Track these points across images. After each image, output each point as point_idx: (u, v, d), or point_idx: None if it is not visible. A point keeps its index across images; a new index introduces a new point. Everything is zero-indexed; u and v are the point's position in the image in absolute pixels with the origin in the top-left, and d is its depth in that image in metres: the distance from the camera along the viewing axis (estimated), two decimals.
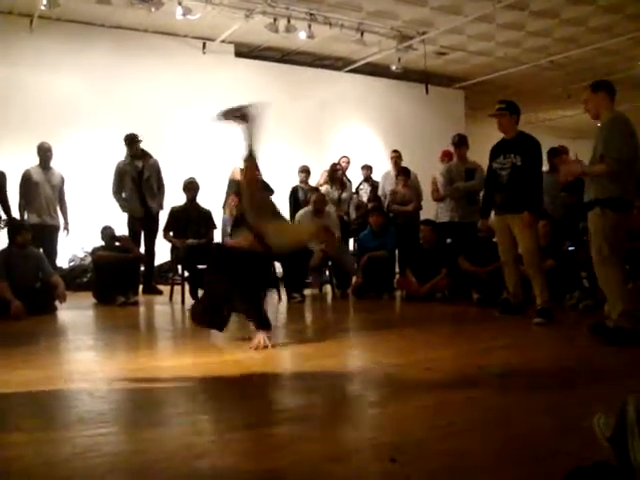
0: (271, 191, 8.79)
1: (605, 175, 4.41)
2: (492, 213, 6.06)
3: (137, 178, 8.24)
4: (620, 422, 1.73)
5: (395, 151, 9.57)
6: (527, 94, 13.23)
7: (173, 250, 7.61)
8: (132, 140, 8.28)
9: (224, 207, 8.63)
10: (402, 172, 8.88)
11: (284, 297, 7.53)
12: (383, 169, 9.69)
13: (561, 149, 8.12)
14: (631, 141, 4.46)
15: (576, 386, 3.20)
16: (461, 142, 7.94)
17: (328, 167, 9.55)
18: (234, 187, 8.66)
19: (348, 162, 9.86)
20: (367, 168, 9.91)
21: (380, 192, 9.24)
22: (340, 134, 12.60)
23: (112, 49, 10.36)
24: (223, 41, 11.27)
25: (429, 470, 1.98)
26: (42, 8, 8.94)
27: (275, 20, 9.88)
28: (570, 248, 7.08)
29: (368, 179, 9.76)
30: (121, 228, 8.08)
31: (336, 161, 9.71)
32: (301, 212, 8.18)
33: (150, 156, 8.41)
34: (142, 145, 8.37)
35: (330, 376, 3.44)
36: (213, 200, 8.89)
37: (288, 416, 2.63)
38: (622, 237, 4.50)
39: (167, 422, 2.62)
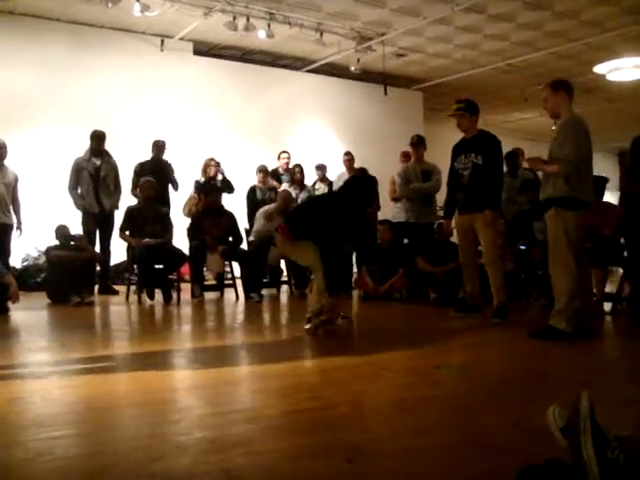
0: (231, 189, 8.77)
1: (559, 175, 4.45)
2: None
3: (94, 175, 8.19)
4: (573, 416, 1.75)
5: (347, 154, 9.56)
6: (485, 96, 13.37)
7: (129, 249, 7.51)
8: (99, 137, 8.26)
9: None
10: (360, 172, 8.87)
11: (242, 297, 7.51)
12: (341, 169, 9.65)
13: (518, 151, 8.24)
14: (584, 144, 4.50)
15: (530, 384, 3.25)
16: (419, 143, 7.98)
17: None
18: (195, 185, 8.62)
19: (289, 157, 9.62)
20: (322, 168, 9.79)
21: None
22: (298, 134, 12.59)
23: (68, 44, 10.19)
24: (182, 39, 11.19)
25: (384, 470, 1.99)
26: None
27: (234, 18, 9.83)
28: (522, 247, 7.20)
29: (324, 179, 9.71)
30: (76, 227, 7.95)
31: (282, 161, 9.56)
32: (263, 210, 7.96)
33: (110, 156, 8.43)
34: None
35: (285, 377, 3.43)
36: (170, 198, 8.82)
37: (243, 417, 2.61)
38: (579, 237, 4.52)
39: (123, 425, 2.59)
